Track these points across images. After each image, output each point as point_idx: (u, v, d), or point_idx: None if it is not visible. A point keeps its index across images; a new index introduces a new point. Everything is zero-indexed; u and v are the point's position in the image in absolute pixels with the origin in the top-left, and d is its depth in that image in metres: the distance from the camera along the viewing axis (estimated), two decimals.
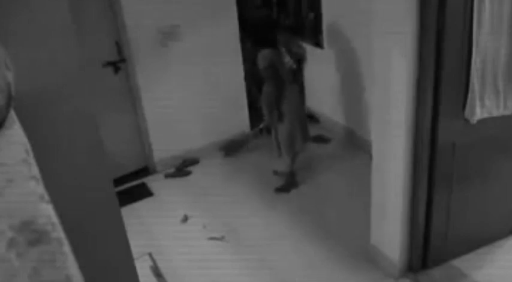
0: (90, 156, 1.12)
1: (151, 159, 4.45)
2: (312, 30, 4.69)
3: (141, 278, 1.39)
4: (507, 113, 2.64)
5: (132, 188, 4.27)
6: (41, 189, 0.67)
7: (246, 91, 4.65)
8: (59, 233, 0.65)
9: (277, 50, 3.68)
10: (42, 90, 0.99)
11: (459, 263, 3.02)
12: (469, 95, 2.52)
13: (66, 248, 0.65)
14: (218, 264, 3.25)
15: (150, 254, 3.39)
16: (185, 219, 3.76)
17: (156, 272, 3.25)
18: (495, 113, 2.62)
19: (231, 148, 4.47)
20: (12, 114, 0.76)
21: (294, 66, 3.48)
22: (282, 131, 3.89)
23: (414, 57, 2.44)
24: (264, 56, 3.73)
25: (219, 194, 4.00)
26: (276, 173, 4.11)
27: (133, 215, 3.77)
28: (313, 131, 4.82)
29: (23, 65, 0.88)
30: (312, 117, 5.06)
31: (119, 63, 4.08)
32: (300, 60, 3.59)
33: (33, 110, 0.95)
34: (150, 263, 3.32)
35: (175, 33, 4.09)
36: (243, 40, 3.94)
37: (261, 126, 4.35)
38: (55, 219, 0.66)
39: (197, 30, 4.15)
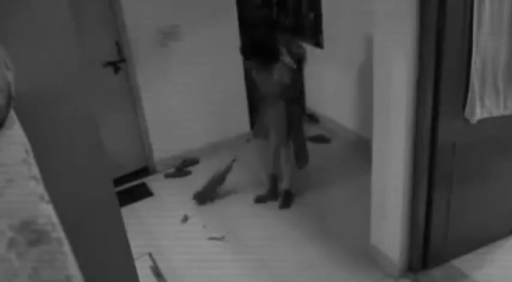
0: (90, 156, 1.12)
1: (151, 159, 4.45)
2: (312, 30, 4.69)
3: (141, 278, 1.38)
4: (507, 113, 2.64)
5: (132, 188, 4.27)
6: (41, 189, 0.67)
7: (246, 91, 4.65)
8: (59, 233, 0.65)
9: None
10: (42, 90, 0.99)
11: (459, 263, 3.02)
12: (469, 95, 2.52)
13: (66, 248, 0.65)
14: (218, 264, 3.25)
15: (150, 254, 3.39)
16: (185, 219, 3.76)
17: (156, 272, 3.25)
18: (495, 113, 2.62)
19: (204, 197, 3.98)
20: (12, 114, 0.76)
21: (294, 66, 3.47)
22: (296, 149, 3.72)
23: (414, 57, 2.44)
24: (286, 70, 3.38)
25: (219, 194, 4.00)
26: (259, 200, 3.90)
27: (133, 215, 3.77)
28: (313, 131, 4.83)
29: (23, 65, 0.88)
30: (312, 117, 5.07)
31: (118, 63, 4.08)
32: (300, 60, 3.58)
33: (33, 110, 0.95)
34: (150, 263, 3.32)
35: (175, 33, 4.09)
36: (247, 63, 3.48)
37: (234, 159, 3.96)
38: (55, 219, 0.66)
39: (197, 30, 4.15)
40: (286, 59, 3.40)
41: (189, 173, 4.42)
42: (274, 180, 3.90)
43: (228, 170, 3.94)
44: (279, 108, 3.52)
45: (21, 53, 0.91)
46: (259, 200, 3.90)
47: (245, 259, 3.30)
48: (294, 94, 3.54)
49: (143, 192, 4.21)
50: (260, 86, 3.61)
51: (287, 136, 3.61)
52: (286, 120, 3.54)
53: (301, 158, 3.83)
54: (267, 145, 3.76)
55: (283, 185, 3.86)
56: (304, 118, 3.85)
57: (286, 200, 3.83)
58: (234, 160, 3.92)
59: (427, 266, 3.00)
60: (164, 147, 4.37)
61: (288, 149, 3.70)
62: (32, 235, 0.61)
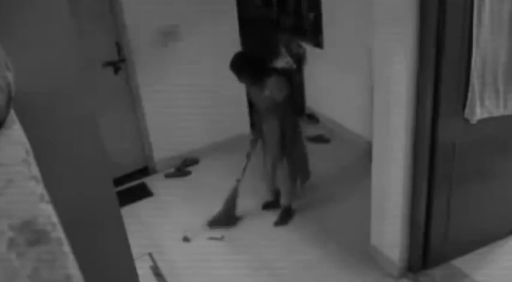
0: (90, 156, 1.12)
1: (151, 159, 4.45)
2: (312, 30, 4.70)
3: (141, 278, 1.39)
4: (507, 113, 2.64)
5: (132, 188, 4.27)
6: (41, 189, 0.67)
7: (246, 91, 4.64)
8: (59, 233, 0.65)
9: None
10: (42, 91, 0.99)
11: (459, 263, 3.02)
12: (469, 95, 2.52)
13: (66, 247, 0.65)
14: (218, 264, 3.25)
15: (150, 254, 3.39)
16: (186, 239, 3.59)
17: (156, 272, 3.25)
18: (495, 113, 2.62)
19: (223, 221, 3.72)
20: (12, 114, 0.76)
21: (294, 66, 3.47)
22: (293, 164, 3.54)
23: (414, 57, 2.44)
24: (278, 86, 3.27)
25: (219, 194, 3.99)
26: (266, 206, 3.82)
27: (133, 215, 3.77)
28: (313, 131, 4.83)
29: (23, 65, 0.88)
30: (312, 117, 5.07)
31: (118, 63, 4.08)
32: (299, 60, 3.57)
33: (33, 110, 0.95)
34: (150, 263, 3.32)
35: (175, 33, 4.09)
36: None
37: (239, 179, 3.70)
38: (55, 219, 0.66)
39: (197, 30, 4.15)
40: (286, 58, 3.40)
41: (189, 173, 4.42)
42: (276, 195, 3.78)
43: (235, 194, 3.71)
44: (271, 123, 3.41)
45: (21, 53, 0.92)
46: (266, 206, 3.82)
47: (245, 259, 3.30)
48: (288, 108, 3.38)
49: (143, 192, 4.21)
50: (253, 101, 3.59)
51: (281, 151, 3.47)
52: (279, 136, 3.41)
53: (300, 172, 3.65)
54: (264, 159, 3.64)
55: (282, 201, 3.70)
56: (301, 129, 3.65)
57: (283, 217, 3.68)
58: (238, 180, 3.68)
59: (427, 266, 3.00)
60: (164, 147, 4.37)
61: (284, 165, 3.53)
62: (31, 235, 0.61)
